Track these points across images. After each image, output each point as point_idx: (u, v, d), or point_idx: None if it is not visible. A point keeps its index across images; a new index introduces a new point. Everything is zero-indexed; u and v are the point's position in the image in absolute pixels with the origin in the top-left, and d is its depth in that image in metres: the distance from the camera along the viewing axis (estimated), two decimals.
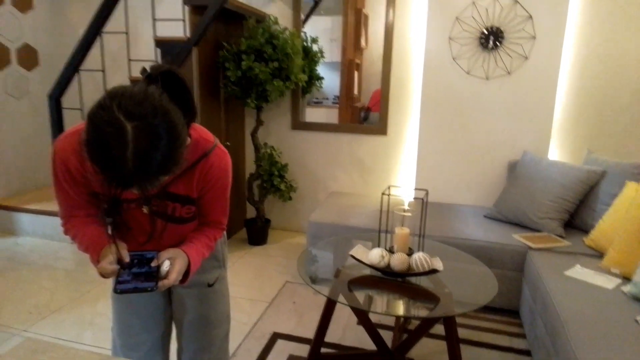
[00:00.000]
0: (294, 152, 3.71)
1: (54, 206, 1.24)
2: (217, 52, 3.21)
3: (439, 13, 3.04)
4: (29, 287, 2.72)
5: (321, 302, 2.60)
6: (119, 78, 3.91)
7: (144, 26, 3.79)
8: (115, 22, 3.42)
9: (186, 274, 1.10)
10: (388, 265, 1.77)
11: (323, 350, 2.13)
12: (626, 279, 1.99)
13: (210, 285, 1.33)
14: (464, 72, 3.07)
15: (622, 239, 2.03)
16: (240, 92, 3.16)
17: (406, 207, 1.90)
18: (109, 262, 0.99)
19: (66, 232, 1.15)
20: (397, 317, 2.32)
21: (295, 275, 2.98)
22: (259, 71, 2.98)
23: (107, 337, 2.20)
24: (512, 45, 2.96)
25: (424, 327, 1.87)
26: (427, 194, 1.85)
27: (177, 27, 3.29)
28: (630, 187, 2.27)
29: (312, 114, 3.66)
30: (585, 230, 2.62)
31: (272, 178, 3.39)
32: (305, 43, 3.47)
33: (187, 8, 2.96)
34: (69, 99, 3.44)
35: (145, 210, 1.11)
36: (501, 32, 2.95)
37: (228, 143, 3.46)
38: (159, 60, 3.07)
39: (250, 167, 3.78)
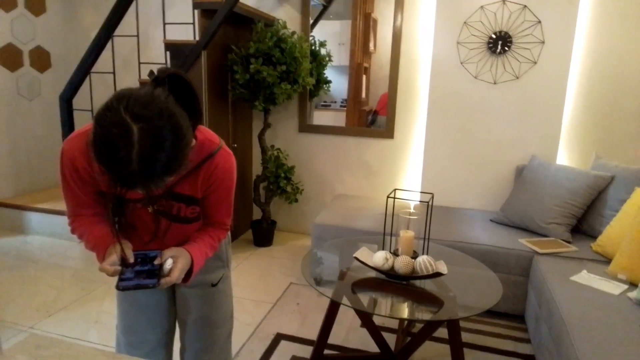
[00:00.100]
0: (301, 154, 3.73)
1: (63, 206, 1.27)
2: (225, 55, 3.24)
3: (447, 17, 3.05)
4: (36, 285, 2.76)
5: (325, 303, 2.61)
6: (129, 80, 3.96)
7: (154, 30, 3.84)
8: (126, 25, 3.47)
9: (189, 273, 1.12)
10: (392, 268, 1.78)
11: (326, 351, 2.13)
12: (633, 285, 1.97)
13: (213, 285, 1.35)
14: (471, 76, 3.07)
15: (629, 245, 2.02)
16: (248, 95, 3.19)
17: (412, 210, 1.91)
18: (111, 263, 1.00)
19: (73, 231, 1.17)
20: (401, 320, 2.32)
21: (299, 276, 2.99)
22: (266, 74, 3.00)
23: (112, 335, 2.23)
24: (520, 50, 2.96)
25: (428, 330, 1.87)
26: (432, 197, 1.85)
27: (186, 31, 3.33)
28: (639, 193, 2.25)
29: (320, 117, 3.67)
30: (592, 236, 2.60)
31: (279, 180, 3.40)
32: (313, 47, 3.50)
33: (196, 12, 3.00)
34: (80, 100, 3.49)
35: (150, 209, 1.13)
36: (509, 36, 2.95)
37: (235, 145, 3.49)
38: (169, 63, 3.11)
39: (257, 169, 3.81)
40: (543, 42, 2.91)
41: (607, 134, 3.01)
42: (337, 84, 3.57)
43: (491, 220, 2.90)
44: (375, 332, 2.03)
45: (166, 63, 3.26)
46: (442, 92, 3.15)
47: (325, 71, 3.56)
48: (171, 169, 0.88)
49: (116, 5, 3.00)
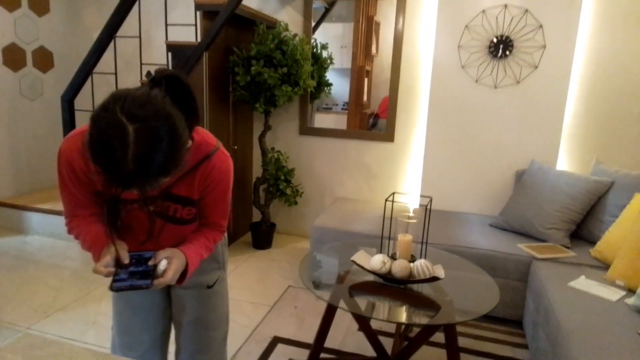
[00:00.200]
0: (301, 157, 3.73)
1: None
2: (227, 57, 3.25)
3: (448, 21, 3.05)
4: (35, 285, 2.76)
5: (323, 307, 2.59)
6: (131, 81, 3.98)
7: (156, 31, 3.85)
8: (128, 26, 3.48)
9: (184, 274, 1.12)
10: (389, 272, 1.77)
11: (322, 355, 2.13)
12: (631, 291, 1.96)
13: (209, 287, 1.34)
14: (472, 80, 3.07)
15: (628, 251, 2.01)
16: (248, 97, 3.20)
17: (411, 214, 1.91)
18: (105, 264, 1.01)
19: (70, 231, 1.18)
20: (398, 324, 2.31)
21: (298, 279, 2.99)
22: (267, 76, 3.01)
23: (109, 336, 2.22)
24: (521, 54, 2.96)
25: (425, 334, 1.86)
26: (430, 201, 1.85)
27: (188, 32, 3.34)
28: (638, 199, 2.25)
29: (322, 120, 3.68)
30: (591, 241, 2.59)
31: (278, 182, 3.40)
32: (314, 49, 3.50)
33: (198, 13, 3.01)
34: (82, 101, 3.50)
35: (150, 209, 1.13)
36: (511, 40, 2.95)
37: (235, 146, 3.49)
38: (171, 64, 3.12)
39: (257, 171, 3.81)
40: (544, 47, 2.91)
41: (608, 139, 3.00)
42: (339, 86, 3.58)
43: (490, 225, 2.89)
44: (372, 336, 2.02)
45: (168, 64, 3.27)
46: (443, 96, 3.15)
47: (326, 74, 3.56)
48: (167, 169, 0.88)
49: (119, 6, 3.01)
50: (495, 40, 2.98)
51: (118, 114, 0.82)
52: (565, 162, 3.11)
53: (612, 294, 1.93)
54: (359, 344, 2.27)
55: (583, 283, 2.06)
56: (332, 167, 3.68)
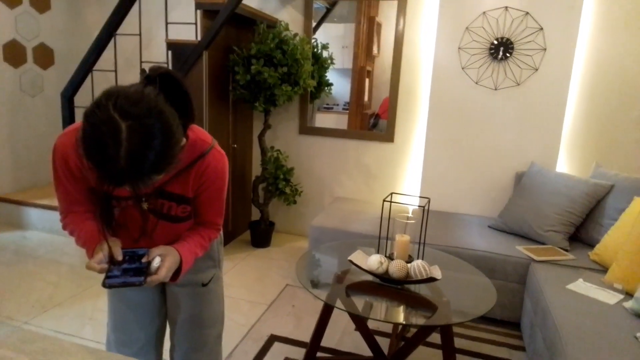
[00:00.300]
0: (301, 156, 3.73)
1: None
2: (227, 55, 3.25)
3: (449, 23, 3.04)
4: (33, 280, 2.76)
5: (320, 306, 2.59)
6: (131, 79, 3.98)
7: (157, 29, 3.85)
8: (129, 24, 3.48)
9: (178, 272, 1.12)
10: (386, 272, 1.77)
11: (319, 354, 2.12)
12: (629, 294, 1.96)
13: (204, 285, 1.34)
14: (472, 82, 3.07)
15: (626, 255, 2.00)
16: (248, 96, 3.20)
17: (410, 214, 1.90)
18: (98, 261, 1.01)
19: (64, 227, 1.18)
20: (395, 325, 2.31)
21: (296, 278, 2.98)
22: (267, 75, 3.01)
23: (105, 332, 2.22)
24: (522, 57, 2.95)
25: (421, 335, 1.86)
26: (428, 201, 1.84)
27: (189, 31, 3.34)
28: (638, 203, 2.24)
29: (323, 119, 3.67)
30: (590, 244, 2.59)
31: (278, 181, 3.40)
32: (315, 49, 3.50)
33: (199, 12, 3.01)
34: (82, 98, 3.50)
35: (145, 206, 1.13)
36: (511, 43, 2.94)
37: (235, 145, 3.49)
38: (171, 62, 3.12)
39: (256, 169, 3.81)
40: (545, 49, 2.90)
41: (608, 142, 3.00)
42: (340, 86, 3.57)
43: (489, 227, 2.89)
44: (368, 336, 2.02)
45: (168, 62, 3.27)
46: (443, 97, 3.15)
47: (327, 74, 3.56)
48: (160, 167, 0.88)
49: (119, 4, 3.01)
50: (495, 42, 2.97)
51: (111, 111, 0.82)
52: (565, 164, 3.11)
53: (610, 297, 1.93)
54: (356, 343, 2.27)
55: (581, 286, 2.05)
56: (332, 167, 3.68)
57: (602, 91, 2.95)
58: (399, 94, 3.40)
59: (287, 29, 3.21)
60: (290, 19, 3.52)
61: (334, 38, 3.50)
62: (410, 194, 3.45)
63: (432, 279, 1.73)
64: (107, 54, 3.44)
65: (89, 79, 3.22)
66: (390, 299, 1.76)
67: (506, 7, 2.91)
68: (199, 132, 1.14)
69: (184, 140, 1.05)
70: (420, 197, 1.93)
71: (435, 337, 2.33)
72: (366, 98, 3.52)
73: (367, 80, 3.49)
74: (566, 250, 2.50)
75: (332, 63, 3.52)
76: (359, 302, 1.75)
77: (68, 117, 3.22)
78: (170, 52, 3.09)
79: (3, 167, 3.75)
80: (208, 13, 3.00)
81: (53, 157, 1.07)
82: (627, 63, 2.87)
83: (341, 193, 3.70)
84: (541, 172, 2.80)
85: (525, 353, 2.24)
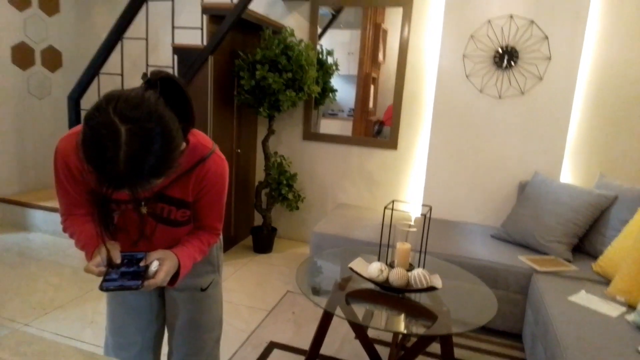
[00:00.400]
0: (304, 162, 3.73)
1: None
2: (232, 60, 3.26)
3: (453, 30, 3.05)
4: (35, 282, 2.77)
5: (320, 313, 2.58)
6: (137, 82, 3.98)
7: (163, 33, 3.88)
8: (136, 28, 3.52)
9: (176, 276, 1.12)
10: (387, 280, 1.76)
11: None
12: (631, 307, 1.93)
13: (203, 290, 1.34)
14: (476, 90, 3.06)
15: (629, 267, 1.98)
16: (253, 101, 3.21)
17: (412, 222, 1.90)
18: (96, 264, 1.01)
19: (65, 229, 1.18)
20: (395, 333, 2.29)
21: (296, 285, 2.97)
22: (272, 81, 3.02)
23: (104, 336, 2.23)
24: (526, 65, 2.95)
25: (421, 344, 1.84)
26: (430, 210, 1.84)
27: (195, 35, 3.36)
28: None
29: (327, 126, 3.68)
30: (594, 256, 2.56)
31: (280, 187, 3.40)
32: (320, 55, 3.51)
33: (205, 17, 3.03)
34: (89, 100, 3.52)
35: (144, 210, 1.14)
36: (516, 51, 2.94)
37: (239, 150, 3.50)
38: (177, 66, 3.14)
39: (259, 174, 3.81)
40: (549, 58, 2.89)
41: (613, 153, 2.98)
42: (345, 93, 3.58)
43: (492, 236, 2.87)
44: (368, 344, 2.01)
45: (174, 66, 3.29)
46: (447, 105, 3.14)
47: (331, 80, 3.57)
48: (159, 171, 0.88)
49: (127, 8, 3.04)
50: (500, 50, 2.97)
51: (111, 114, 0.82)
52: (569, 174, 3.09)
53: (612, 310, 1.91)
54: (356, 352, 2.26)
55: (583, 297, 2.03)
56: (335, 173, 3.68)
57: (607, 101, 2.94)
58: (402, 101, 3.40)
59: (292, 34, 3.22)
60: (296, 25, 3.54)
61: (339, 44, 3.51)
62: (412, 201, 3.44)
63: (432, 288, 1.72)
64: (114, 57, 3.46)
65: (95, 81, 3.25)
66: (390, 307, 1.75)
67: (511, 16, 2.91)
68: (200, 137, 1.15)
69: (184, 144, 1.05)
70: (423, 205, 1.93)
71: (436, 347, 2.31)
72: (371, 105, 3.52)
73: (372, 87, 3.50)
74: (569, 261, 2.48)
75: (336, 69, 3.53)
76: (359, 310, 1.74)
77: (74, 119, 3.25)
78: (176, 56, 3.12)
79: (9, 168, 3.78)
80: (214, 18, 3.02)
81: (55, 159, 1.08)
82: (632, 73, 2.86)
83: (344, 199, 3.70)
84: (545, 182, 2.78)
85: None
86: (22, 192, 3.89)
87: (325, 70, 3.51)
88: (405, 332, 1.73)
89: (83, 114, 3.29)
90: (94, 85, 3.27)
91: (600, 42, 2.90)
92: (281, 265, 3.33)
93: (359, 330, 2.02)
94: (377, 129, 3.54)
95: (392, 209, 1.89)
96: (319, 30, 3.53)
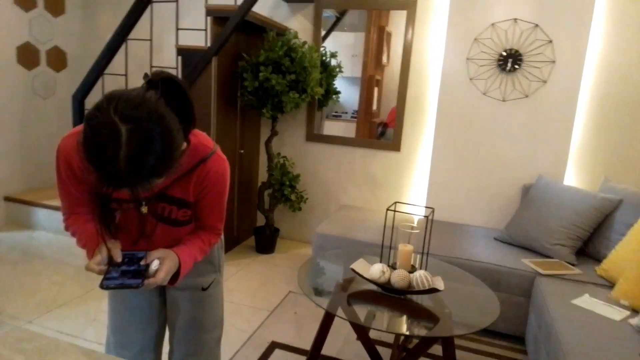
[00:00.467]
0: (307, 163, 3.73)
1: None
2: (236, 62, 3.27)
3: (457, 33, 3.04)
4: (39, 280, 2.79)
5: (322, 314, 2.58)
6: (141, 83, 3.99)
7: (168, 35, 3.90)
8: (140, 29, 3.53)
9: (176, 276, 1.12)
10: (388, 281, 1.76)
11: None
12: (635, 311, 1.92)
13: (204, 289, 1.34)
14: (480, 93, 3.06)
15: (633, 271, 1.97)
16: (256, 102, 3.22)
17: (414, 224, 1.89)
18: (97, 262, 1.01)
19: (67, 228, 1.19)
20: (397, 335, 2.29)
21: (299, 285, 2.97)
22: (275, 82, 3.03)
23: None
24: (530, 69, 2.94)
25: (422, 346, 1.84)
26: (432, 212, 1.83)
27: (199, 37, 3.37)
28: None
29: (331, 127, 3.68)
30: (598, 259, 2.55)
31: (283, 188, 3.41)
32: (324, 57, 3.51)
33: (209, 19, 3.04)
34: (93, 100, 3.54)
35: (144, 209, 1.14)
36: (520, 55, 2.93)
37: (242, 151, 3.51)
38: (180, 68, 3.15)
39: (262, 175, 3.82)
40: (554, 62, 2.89)
41: (618, 156, 2.96)
42: (349, 95, 3.58)
43: (495, 239, 2.86)
44: (369, 345, 2.00)
45: (177, 67, 3.30)
46: (451, 107, 3.14)
47: (335, 82, 3.57)
48: (159, 171, 0.88)
49: (132, 9, 3.06)
50: (504, 53, 2.96)
51: (111, 114, 0.83)
52: (573, 178, 3.08)
53: (616, 314, 1.89)
54: (358, 352, 2.25)
55: (587, 301, 2.02)
56: (338, 175, 3.68)
57: (611, 104, 2.93)
58: (406, 103, 3.40)
59: (296, 37, 3.23)
60: (300, 27, 3.54)
61: (343, 46, 3.52)
62: (415, 203, 3.44)
63: (434, 290, 1.71)
64: (119, 58, 3.48)
65: (100, 82, 3.26)
66: (392, 308, 1.74)
67: (515, 19, 2.91)
68: (201, 137, 1.15)
69: (185, 144, 1.06)
70: (426, 207, 1.92)
71: (437, 349, 2.30)
72: (375, 107, 3.52)
73: (376, 89, 3.50)
74: (573, 265, 2.46)
75: (340, 71, 3.54)
76: (361, 311, 1.74)
77: (78, 119, 3.26)
78: (180, 58, 3.13)
79: (13, 167, 3.80)
80: (218, 20, 3.03)
81: (57, 158, 1.09)
82: (636, 76, 2.85)
83: (347, 201, 3.70)
84: (549, 185, 2.77)
85: None
86: (27, 190, 3.91)
87: (328, 72, 3.52)
88: (407, 333, 1.73)
89: None
90: (98, 86, 3.29)
91: (604, 44, 2.88)
92: (283, 265, 3.33)
93: (361, 331, 2.01)
94: (381, 130, 3.54)
95: (395, 211, 1.89)
96: (323, 33, 3.54)
